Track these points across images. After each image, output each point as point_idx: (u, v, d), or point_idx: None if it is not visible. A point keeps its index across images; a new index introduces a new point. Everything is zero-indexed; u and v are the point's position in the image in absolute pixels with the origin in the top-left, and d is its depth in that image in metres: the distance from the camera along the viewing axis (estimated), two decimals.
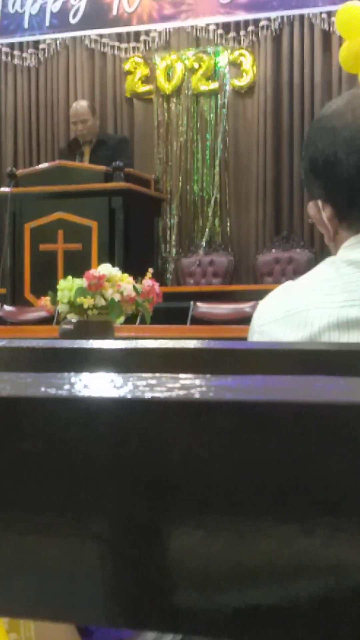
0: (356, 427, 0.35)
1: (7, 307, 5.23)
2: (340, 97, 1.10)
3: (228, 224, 6.31)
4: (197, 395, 0.39)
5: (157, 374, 0.42)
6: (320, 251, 5.75)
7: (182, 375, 0.41)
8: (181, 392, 0.39)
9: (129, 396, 0.39)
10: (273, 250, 5.92)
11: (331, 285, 1.04)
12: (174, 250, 6.33)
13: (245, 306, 5.05)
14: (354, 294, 1.01)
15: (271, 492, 0.37)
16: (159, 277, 5.46)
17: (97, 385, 0.40)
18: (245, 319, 4.84)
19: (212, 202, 6.32)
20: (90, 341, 0.88)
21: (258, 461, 0.37)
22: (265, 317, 1.11)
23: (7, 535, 0.41)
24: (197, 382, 0.41)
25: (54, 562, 0.41)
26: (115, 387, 0.40)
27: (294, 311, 1.05)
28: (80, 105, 5.79)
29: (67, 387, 0.40)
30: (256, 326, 1.13)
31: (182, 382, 0.40)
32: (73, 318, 3.45)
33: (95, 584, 0.40)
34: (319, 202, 1.08)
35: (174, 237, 6.37)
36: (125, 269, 3.97)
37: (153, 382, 0.41)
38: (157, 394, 0.39)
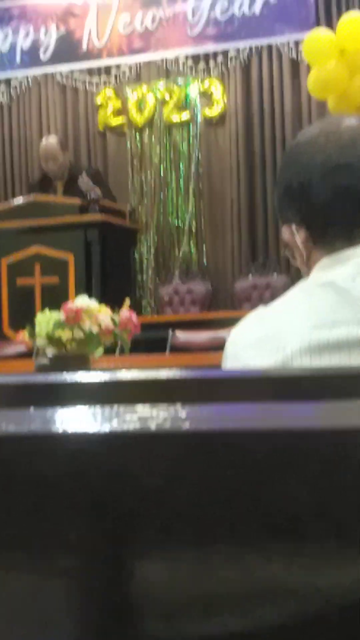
0: (311, 454, 0.36)
1: None
2: (314, 124, 1.12)
3: (204, 251, 6.34)
4: (152, 427, 0.39)
5: (115, 405, 0.42)
6: (297, 276, 5.78)
7: (139, 407, 0.42)
8: (138, 425, 0.39)
9: (87, 430, 0.39)
10: (250, 277, 5.95)
11: (302, 309, 1.05)
12: (150, 280, 6.35)
13: (224, 333, 5.06)
14: (324, 317, 1.02)
15: (231, 520, 0.37)
16: (137, 307, 5.46)
17: (57, 419, 0.40)
18: (224, 346, 4.85)
19: (188, 230, 6.35)
20: (63, 374, 0.88)
21: (217, 490, 0.37)
22: (238, 343, 1.12)
23: None
24: (154, 413, 0.41)
25: (21, 596, 0.41)
26: (74, 421, 0.40)
27: (266, 336, 1.05)
28: (50, 142, 5.75)
29: (26, 423, 0.41)
30: (230, 352, 1.14)
31: (139, 413, 0.40)
32: (51, 352, 3.44)
33: (62, 616, 0.40)
34: (293, 226, 1.10)
35: (151, 267, 6.39)
36: (102, 301, 3.97)
37: (112, 414, 0.41)
38: (115, 427, 0.39)
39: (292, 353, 1.03)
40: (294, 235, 1.10)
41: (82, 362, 3.03)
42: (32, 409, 0.43)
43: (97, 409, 0.40)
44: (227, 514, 0.37)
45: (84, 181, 5.44)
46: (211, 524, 0.37)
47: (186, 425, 0.36)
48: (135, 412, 0.39)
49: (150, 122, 6.45)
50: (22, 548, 0.39)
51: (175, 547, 0.38)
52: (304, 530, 0.36)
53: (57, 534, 0.39)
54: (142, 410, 0.39)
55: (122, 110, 6.50)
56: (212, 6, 6.19)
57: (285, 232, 1.11)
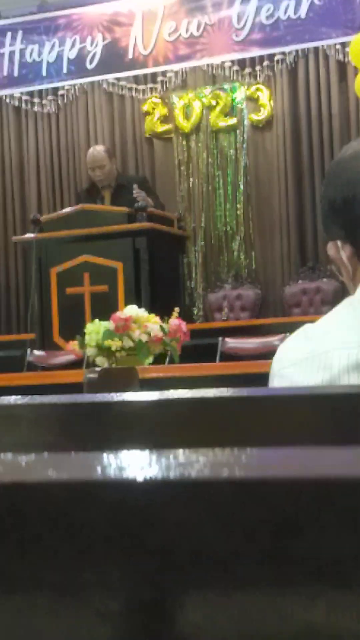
0: (348, 501, 0.35)
1: (36, 352, 5.26)
2: (357, 139, 1.11)
3: (253, 257, 6.32)
4: (193, 475, 0.39)
5: (156, 451, 0.42)
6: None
7: (179, 451, 0.41)
8: (178, 471, 0.39)
9: (128, 477, 0.39)
10: (300, 282, 5.91)
11: (349, 326, 1.04)
12: (200, 287, 6.35)
13: (274, 339, 5.03)
14: None
15: (271, 567, 0.37)
16: (186, 314, 5.47)
17: (96, 465, 0.41)
18: (274, 352, 4.82)
19: (236, 236, 6.34)
20: (112, 394, 0.88)
21: (256, 536, 0.37)
22: (284, 361, 1.11)
23: (12, 616, 0.41)
24: (195, 457, 0.41)
25: None
26: (112, 467, 0.40)
27: (313, 354, 1.05)
28: (97, 150, 5.83)
29: (67, 469, 0.41)
30: (276, 370, 1.13)
31: (180, 459, 0.40)
32: (100, 362, 3.47)
33: None
34: (338, 242, 1.09)
35: (199, 274, 6.39)
36: (151, 309, 3.99)
37: (151, 459, 0.41)
38: (154, 474, 0.39)
39: (340, 371, 1.02)
40: (339, 251, 1.09)
41: (129, 376, 3.05)
42: (76, 453, 0.43)
43: (142, 454, 0.40)
44: (266, 561, 0.36)
45: (139, 194, 5.47)
46: (250, 570, 0.37)
47: (226, 473, 0.36)
48: (177, 457, 0.39)
49: (197, 128, 6.46)
50: (60, 593, 0.40)
51: (214, 592, 0.38)
52: (343, 576, 0.35)
53: (96, 579, 0.39)
54: (183, 455, 0.39)
55: (168, 117, 6.53)
56: (258, 11, 6.17)
57: (331, 248, 1.10)
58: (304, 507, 0.35)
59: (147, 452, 0.40)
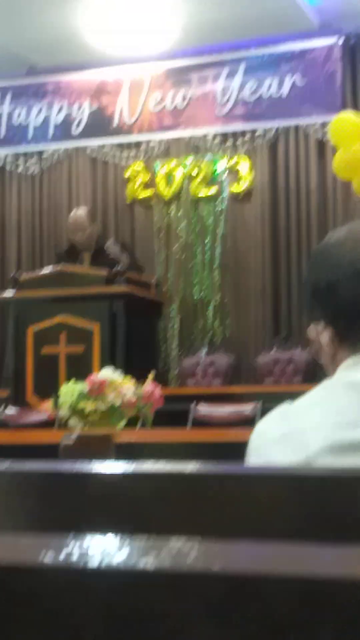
0: (342, 602, 0.37)
1: (8, 411, 5.22)
2: (341, 228, 1.16)
3: (228, 325, 6.38)
4: (185, 566, 0.40)
5: (150, 539, 0.43)
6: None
7: (173, 541, 0.43)
8: (171, 561, 0.40)
9: (121, 566, 0.41)
10: (273, 351, 5.96)
11: (326, 408, 1.06)
12: (175, 352, 6.37)
13: (245, 408, 5.04)
14: (347, 417, 1.03)
15: None
16: (161, 377, 5.48)
17: (93, 551, 0.42)
18: (246, 421, 4.85)
19: (212, 303, 6.41)
20: (90, 464, 0.89)
21: (245, 628, 0.38)
22: (262, 438, 1.13)
23: None
24: (187, 549, 0.43)
25: None
26: (109, 554, 0.42)
27: (290, 433, 1.07)
28: (78, 214, 5.87)
29: (61, 554, 0.42)
30: (253, 447, 1.15)
31: (172, 549, 0.42)
32: (73, 423, 3.45)
33: None
34: (320, 325, 1.12)
35: (175, 339, 6.42)
36: (127, 370, 4.00)
37: (145, 549, 0.42)
38: (148, 564, 0.40)
39: (316, 452, 1.04)
40: (319, 334, 1.12)
41: (105, 444, 3.04)
42: (65, 536, 0.45)
43: (142, 541, 0.41)
44: None
45: (112, 248, 5.53)
46: None
47: (218, 566, 0.38)
48: (168, 546, 0.41)
49: (177, 196, 6.58)
50: None
51: None
52: None
53: None
54: (174, 544, 0.41)
55: (150, 184, 6.65)
56: (242, 87, 6.36)
57: (312, 330, 1.13)
58: (294, 605, 0.37)
59: (144, 537, 0.42)
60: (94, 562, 0.40)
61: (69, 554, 0.41)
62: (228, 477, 0.84)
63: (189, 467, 0.86)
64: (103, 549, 0.41)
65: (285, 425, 1.07)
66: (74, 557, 0.41)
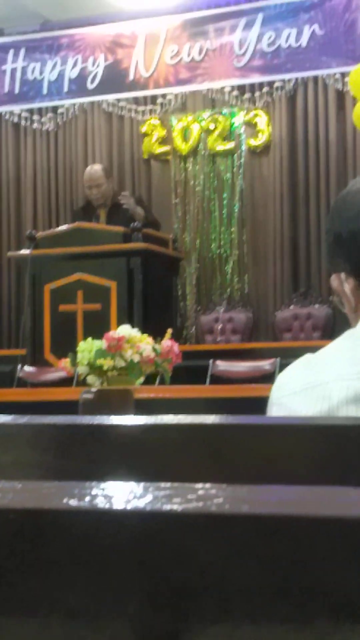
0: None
1: (27, 368, 5.26)
2: None
3: (246, 281, 6.35)
4: (213, 508, 0.40)
5: (176, 484, 0.43)
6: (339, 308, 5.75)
7: (199, 486, 0.42)
8: (199, 504, 0.40)
9: (147, 508, 0.40)
10: (291, 307, 5.94)
11: (349, 358, 1.05)
12: (193, 308, 6.37)
13: (264, 364, 5.05)
14: None
15: (289, 602, 0.38)
16: (178, 335, 5.48)
17: (118, 496, 0.41)
18: (264, 377, 4.86)
19: (230, 259, 6.37)
20: (110, 417, 0.89)
21: (275, 571, 0.38)
22: (284, 390, 1.12)
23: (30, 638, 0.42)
24: (214, 492, 0.42)
25: None
26: (135, 498, 0.41)
27: (312, 384, 1.06)
28: (94, 169, 5.84)
29: (88, 498, 0.42)
30: (275, 398, 1.14)
31: (199, 492, 0.41)
32: (91, 381, 3.47)
33: None
34: (342, 275, 1.10)
35: (192, 295, 6.41)
36: (144, 329, 4.00)
37: (172, 492, 0.42)
38: (175, 506, 0.40)
39: (338, 402, 1.03)
40: (342, 284, 1.10)
41: (125, 398, 3.05)
42: (91, 483, 0.44)
43: (168, 487, 0.41)
44: (284, 596, 0.37)
45: (126, 199, 5.49)
46: (267, 604, 0.38)
47: (246, 508, 0.37)
48: (196, 491, 0.40)
49: (194, 151, 6.51)
50: (80, 619, 0.41)
51: (231, 624, 0.39)
52: None
53: (115, 607, 0.40)
54: (202, 490, 0.40)
55: (166, 139, 6.58)
56: (259, 38, 6.25)
57: (334, 280, 1.12)
58: (321, 545, 0.36)
59: (169, 484, 0.41)
60: (119, 505, 0.39)
61: (94, 498, 0.40)
62: (249, 428, 0.83)
63: (210, 418, 0.86)
64: (128, 494, 0.40)
65: (308, 376, 1.06)
66: (99, 501, 0.40)
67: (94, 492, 0.42)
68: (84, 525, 0.41)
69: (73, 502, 0.40)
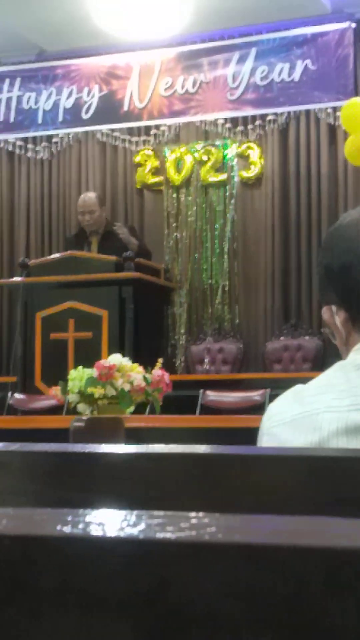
0: (354, 570, 0.36)
1: (17, 396, 5.24)
2: (355, 209, 1.15)
3: (237, 311, 6.37)
4: (206, 537, 0.40)
5: (169, 513, 0.43)
6: (329, 339, 5.77)
7: (192, 514, 0.43)
8: (192, 533, 0.40)
9: (140, 536, 0.40)
10: (282, 338, 5.95)
11: (339, 390, 1.06)
12: (183, 338, 6.37)
13: (254, 394, 5.05)
14: None
15: (280, 634, 0.38)
16: (168, 364, 5.48)
17: (111, 523, 0.42)
18: (254, 407, 4.85)
19: (221, 290, 6.40)
20: (102, 446, 0.89)
21: (266, 602, 0.38)
22: (274, 420, 1.12)
23: None
24: (207, 521, 0.42)
25: None
26: (128, 525, 0.41)
27: (303, 415, 1.06)
28: (88, 196, 5.95)
29: (82, 525, 0.42)
30: (265, 428, 1.14)
31: (192, 521, 0.42)
32: (82, 409, 3.46)
33: None
34: (333, 307, 1.12)
35: (183, 325, 6.42)
36: (135, 357, 4.00)
37: (165, 520, 0.42)
38: (168, 535, 0.40)
39: (329, 433, 1.04)
40: (333, 316, 1.11)
41: (116, 426, 3.04)
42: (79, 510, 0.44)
43: (161, 515, 0.41)
44: (272, 627, 0.38)
45: (121, 229, 5.53)
46: (256, 635, 0.38)
47: (238, 537, 0.37)
48: (189, 519, 0.40)
49: (187, 182, 6.56)
50: None
51: None
52: None
53: (105, 636, 0.40)
54: (194, 518, 0.40)
55: (160, 170, 6.63)
56: (253, 72, 6.33)
57: (326, 313, 1.13)
58: (312, 576, 0.36)
59: (162, 512, 0.42)
60: (112, 533, 0.40)
61: (87, 525, 0.41)
62: (240, 458, 0.84)
63: (201, 448, 0.86)
64: (121, 521, 0.41)
65: (298, 407, 1.07)
66: (92, 528, 0.40)
67: (87, 519, 0.42)
68: (77, 552, 0.41)
69: (66, 529, 0.41)
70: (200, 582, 0.38)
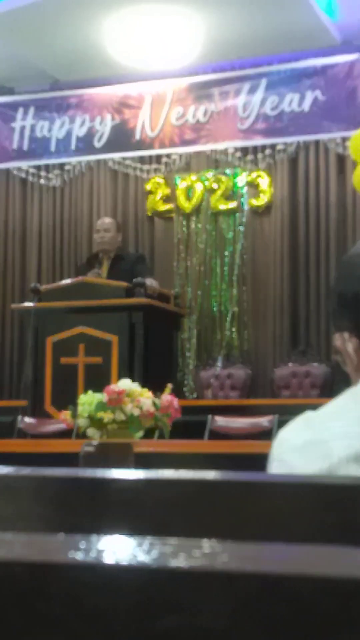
0: None
1: (27, 419, 5.24)
2: None
3: (246, 337, 6.37)
4: (219, 566, 0.40)
5: (182, 540, 0.43)
6: (337, 365, 5.75)
7: (205, 542, 0.43)
8: (204, 561, 0.40)
9: (153, 564, 0.40)
10: (290, 364, 5.94)
11: (350, 417, 1.06)
12: (192, 364, 6.37)
13: (262, 420, 5.03)
14: None
15: None
16: (177, 389, 5.48)
17: (124, 550, 0.42)
18: (262, 433, 4.83)
19: (230, 316, 6.40)
20: (112, 471, 0.89)
21: (279, 631, 0.38)
22: (284, 446, 1.12)
23: None
24: (219, 549, 0.42)
25: None
26: (141, 553, 0.41)
27: (313, 442, 1.06)
28: (108, 219, 6.21)
29: (95, 552, 0.42)
30: (276, 454, 1.14)
31: (205, 549, 0.42)
32: (91, 433, 3.46)
33: None
34: (346, 334, 1.12)
35: (193, 350, 6.42)
36: (144, 382, 4.00)
37: (177, 548, 0.42)
38: (181, 563, 0.40)
39: (339, 461, 1.03)
40: (345, 343, 1.12)
41: (125, 451, 3.04)
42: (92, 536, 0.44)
43: (173, 543, 0.41)
44: None
45: (152, 286, 5.57)
46: None
47: (250, 567, 0.37)
48: (201, 547, 0.41)
49: (197, 210, 6.60)
50: None
51: None
52: None
53: None
54: (207, 547, 0.41)
55: (170, 197, 6.67)
56: (263, 102, 6.38)
57: (338, 339, 1.13)
58: (327, 606, 0.36)
59: (175, 539, 0.42)
60: (125, 560, 0.40)
61: (100, 552, 0.41)
62: (249, 485, 0.83)
63: (211, 474, 0.86)
64: (133, 549, 0.41)
65: (309, 433, 1.06)
66: (105, 555, 0.41)
67: (100, 546, 0.42)
68: (89, 580, 0.41)
69: (79, 556, 0.41)
70: (213, 610, 0.38)
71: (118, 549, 0.42)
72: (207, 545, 0.41)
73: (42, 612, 0.40)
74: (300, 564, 0.38)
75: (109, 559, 0.41)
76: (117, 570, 0.40)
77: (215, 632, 0.39)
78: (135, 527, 0.78)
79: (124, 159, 6.79)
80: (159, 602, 0.39)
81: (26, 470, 0.87)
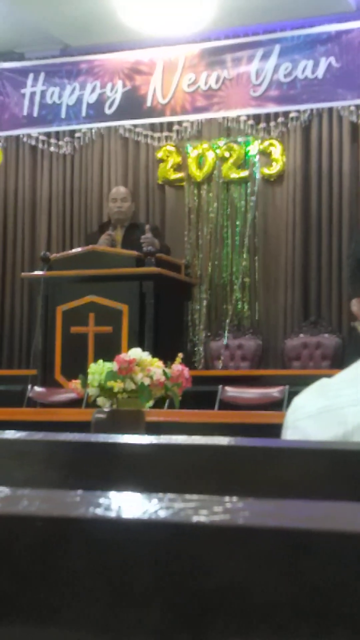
0: None
1: (37, 388, 5.26)
2: None
3: (257, 308, 6.35)
4: (241, 521, 0.40)
5: (203, 496, 0.43)
6: (348, 336, 5.75)
7: (226, 499, 0.42)
8: (226, 517, 0.40)
9: (174, 519, 0.40)
10: (301, 335, 5.93)
11: None
12: (203, 334, 6.37)
13: (273, 391, 5.03)
14: None
15: (312, 619, 0.38)
16: (188, 360, 5.48)
17: (145, 506, 0.42)
18: (273, 404, 4.84)
19: (241, 286, 6.38)
20: (125, 436, 0.89)
21: (300, 588, 0.38)
22: (299, 413, 1.12)
23: None
24: (241, 505, 0.42)
25: None
26: (162, 508, 0.41)
27: (328, 409, 1.06)
28: (122, 188, 6.25)
29: (115, 507, 0.42)
30: (290, 421, 1.14)
31: (226, 505, 0.41)
32: (101, 403, 3.46)
33: None
34: None
35: (203, 321, 6.42)
36: (154, 352, 4.00)
37: (199, 504, 0.42)
38: (202, 518, 0.40)
39: (354, 427, 1.03)
40: None
41: (137, 418, 3.05)
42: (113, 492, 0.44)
43: (194, 499, 0.41)
44: (306, 613, 0.37)
45: (146, 239, 5.58)
46: (289, 621, 0.37)
47: (272, 522, 0.37)
48: (223, 503, 0.40)
49: (209, 178, 6.55)
50: (96, 631, 0.40)
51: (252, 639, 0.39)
52: None
53: (133, 620, 0.40)
54: (228, 502, 0.40)
55: (181, 166, 6.62)
56: (276, 69, 6.31)
57: (355, 305, 1.13)
58: (347, 562, 0.36)
59: (196, 496, 0.41)
60: (146, 515, 0.39)
61: (120, 508, 0.41)
62: (263, 451, 0.83)
63: (225, 440, 0.86)
64: (154, 504, 0.40)
65: (323, 400, 1.06)
66: (125, 511, 0.40)
67: (119, 502, 0.42)
68: (110, 534, 0.41)
69: (100, 512, 0.40)
70: (234, 566, 0.38)
71: (138, 505, 0.41)
72: (228, 501, 0.40)
73: (62, 567, 0.40)
74: (322, 520, 0.37)
75: (129, 514, 0.40)
76: (138, 526, 0.40)
77: (236, 589, 0.38)
78: (149, 492, 0.78)
79: (135, 126, 6.74)
80: (180, 558, 0.39)
81: (39, 435, 0.87)
